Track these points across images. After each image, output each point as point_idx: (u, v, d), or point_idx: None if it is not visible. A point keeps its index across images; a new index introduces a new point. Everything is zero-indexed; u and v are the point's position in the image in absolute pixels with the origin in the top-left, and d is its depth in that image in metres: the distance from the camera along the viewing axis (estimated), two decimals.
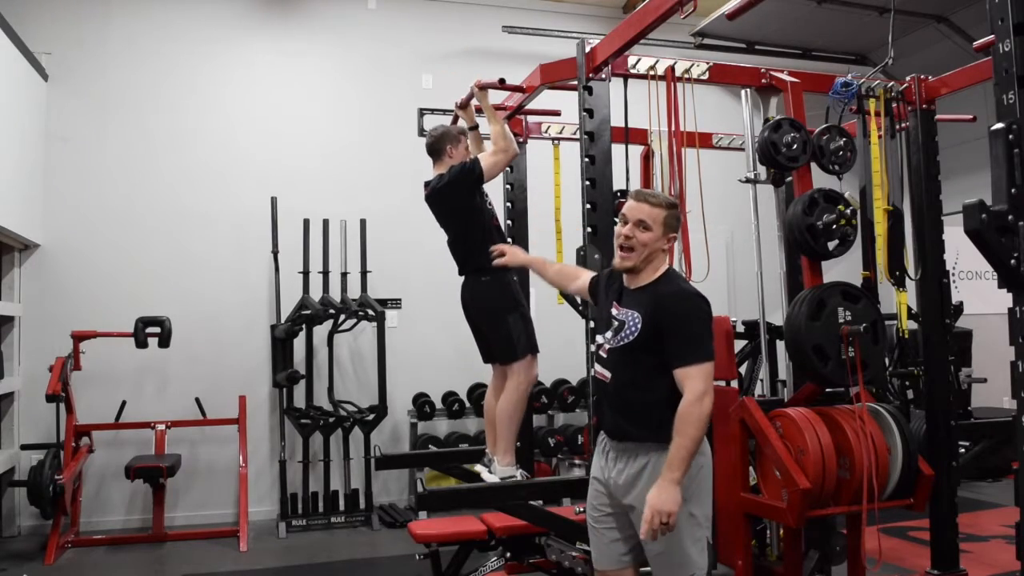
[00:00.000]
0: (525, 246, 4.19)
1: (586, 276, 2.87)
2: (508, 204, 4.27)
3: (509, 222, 4.18)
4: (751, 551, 3.14)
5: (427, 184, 3.63)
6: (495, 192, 3.90)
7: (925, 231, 3.80)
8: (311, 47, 6.57)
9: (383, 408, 5.87)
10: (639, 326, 2.43)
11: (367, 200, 6.39)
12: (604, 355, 2.55)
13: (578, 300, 4.36)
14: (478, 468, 3.65)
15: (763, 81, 3.64)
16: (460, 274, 3.63)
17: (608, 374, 2.53)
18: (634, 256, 2.48)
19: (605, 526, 2.56)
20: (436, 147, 3.62)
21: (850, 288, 3.10)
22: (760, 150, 3.35)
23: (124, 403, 5.65)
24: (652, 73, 3.51)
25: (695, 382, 2.31)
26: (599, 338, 2.60)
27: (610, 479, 2.51)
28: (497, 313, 3.51)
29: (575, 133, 4.17)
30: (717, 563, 3.10)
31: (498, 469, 3.52)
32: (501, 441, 3.51)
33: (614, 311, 2.54)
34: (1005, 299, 2.11)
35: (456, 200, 3.50)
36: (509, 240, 3.77)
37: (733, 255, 6.85)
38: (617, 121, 3.32)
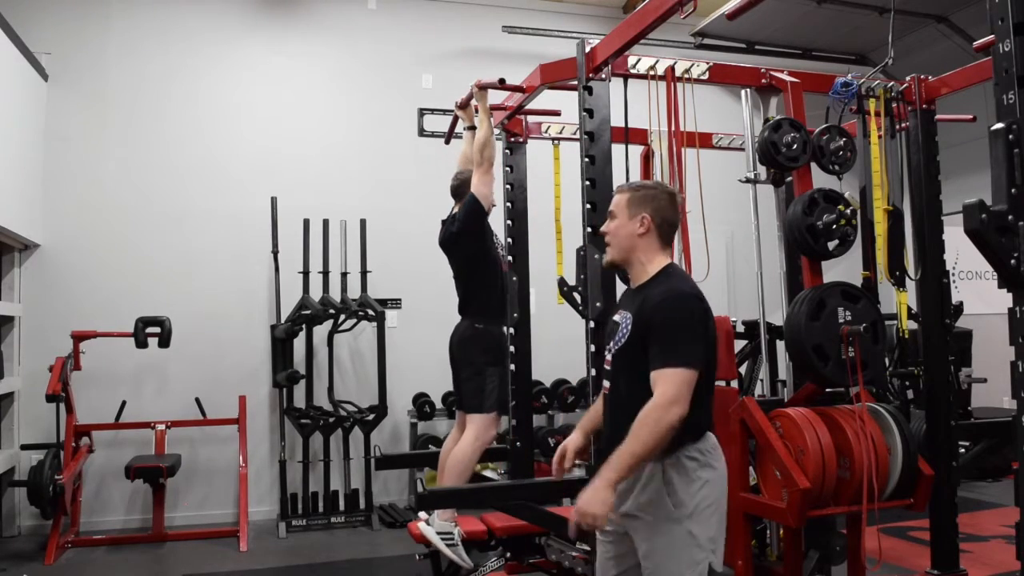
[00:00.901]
0: (525, 246, 4.19)
1: None
2: (508, 204, 4.26)
3: (509, 222, 4.18)
4: (751, 551, 3.14)
5: (443, 224, 3.69)
6: (495, 191, 3.92)
7: (925, 231, 3.80)
8: (311, 47, 6.57)
9: (383, 408, 5.87)
10: (629, 327, 2.27)
11: (367, 200, 6.39)
12: (608, 366, 2.42)
13: (578, 300, 4.38)
14: (417, 522, 3.66)
15: (763, 81, 3.64)
16: (459, 313, 3.68)
17: (608, 384, 2.40)
18: (609, 250, 2.38)
19: (606, 539, 2.41)
20: (461, 191, 3.77)
21: (850, 288, 3.10)
22: (760, 150, 3.35)
23: (124, 403, 5.65)
24: (652, 73, 3.51)
25: (664, 386, 2.10)
26: (606, 351, 2.46)
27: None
28: (477, 364, 3.62)
29: (575, 133, 4.17)
30: None
31: (436, 523, 3.54)
32: None
33: (616, 317, 2.41)
34: (1005, 299, 2.11)
35: (467, 247, 3.63)
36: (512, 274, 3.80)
37: (733, 255, 6.85)
38: (617, 121, 3.31)
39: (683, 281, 2.32)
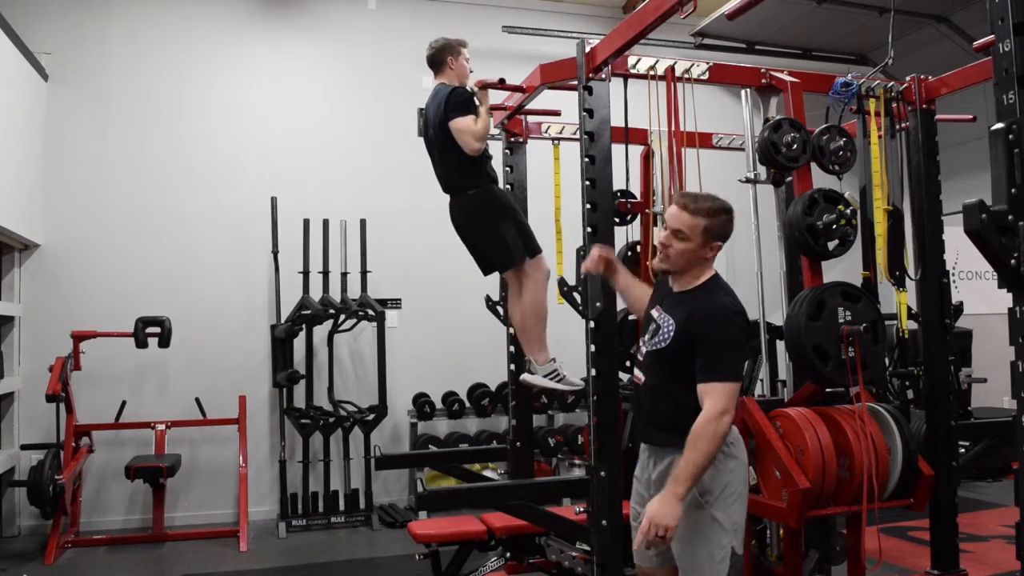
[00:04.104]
0: None
1: (646, 290, 2.81)
2: None
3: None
4: (751, 551, 3.14)
5: (430, 94, 3.67)
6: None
7: (925, 231, 3.80)
8: (311, 47, 6.57)
9: (383, 408, 5.87)
10: (672, 333, 2.41)
11: (367, 200, 6.39)
12: (641, 357, 2.54)
13: (577, 300, 4.38)
14: (523, 376, 3.70)
15: (763, 81, 3.64)
16: (445, 192, 3.65)
17: (642, 377, 2.53)
18: (668, 263, 2.47)
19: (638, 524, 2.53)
20: (437, 58, 3.69)
21: (850, 288, 3.10)
22: (760, 150, 3.35)
23: (124, 403, 5.65)
24: (652, 73, 3.51)
25: (715, 400, 2.26)
26: (641, 340, 2.58)
27: (647, 478, 2.53)
28: (489, 224, 3.53)
29: (575, 133, 4.17)
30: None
31: (536, 368, 3.57)
32: (534, 341, 3.57)
33: (655, 313, 2.53)
34: (1005, 299, 2.11)
35: (439, 121, 3.53)
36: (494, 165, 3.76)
37: (733, 255, 6.82)
38: (617, 121, 3.31)
39: (728, 295, 2.46)
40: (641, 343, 2.56)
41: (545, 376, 3.57)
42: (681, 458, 2.27)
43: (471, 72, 3.74)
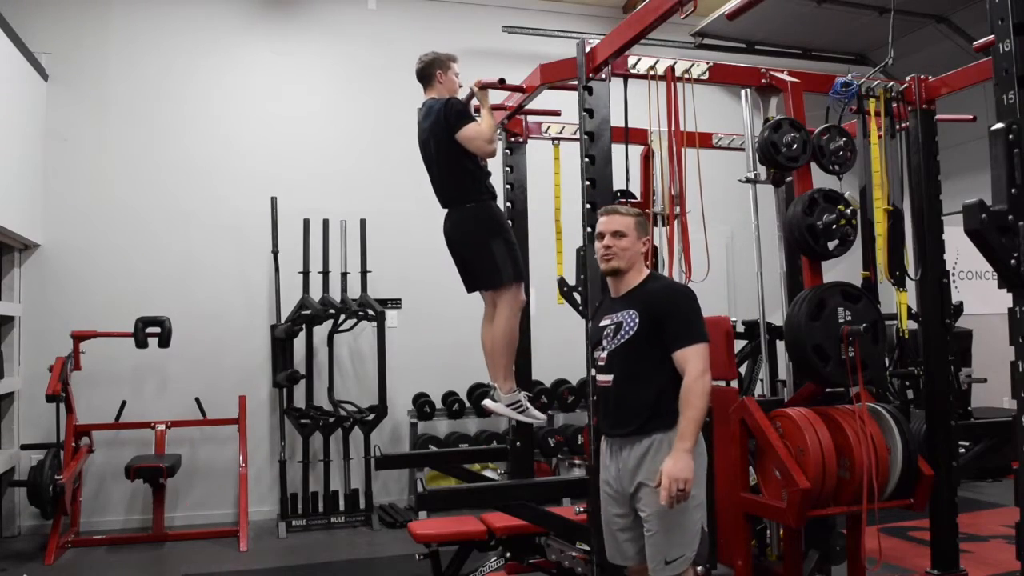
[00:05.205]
0: (525, 246, 4.19)
1: None
2: (508, 204, 4.27)
3: (509, 222, 4.18)
4: (751, 551, 3.14)
5: (420, 109, 3.65)
6: (496, 191, 3.90)
7: (925, 231, 3.80)
8: (311, 47, 6.58)
9: (383, 408, 5.87)
10: (637, 320, 2.64)
11: (367, 200, 6.40)
12: (603, 363, 2.73)
13: (577, 300, 4.37)
14: (485, 402, 3.73)
15: (763, 81, 3.64)
16: (444, 206, 3.64)
17: (610, 377, 2.70)
18: (615, 261, 2.72)
19: (616, 526, 2.70)
20: (426, 72, 3.66)
21: (850, 288, 3.10)
22: (760, 150, 3.35)
23: (124, 403, 5.65)
24: (652, 73, 3.50)
25: (695, 361, 2.54)
26: (596, 352, 2.78)
27: (618, 472, 2.65)
28: (480, 240, 3.51)
29: (575, 133, 4.17)
30: (715, 558, 3.10)
31: (501, 396, 3.59)
32: (500, 369, 3.58)
33: (606, 320, 2.75)
34: (1005, 299, 2.11)
35: (439, 133, 3.51)
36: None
37: (733, 255, 6.85)
38: (617, 121, 3.31)
39: (672, 279, 2.90)
40: (599, 351, 2.75)
41: (508, 406, 3.59)
42: (672, 429, 2.52)
43: (460, 87, 3.71)
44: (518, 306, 3.58)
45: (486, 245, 3.49)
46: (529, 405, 3.64)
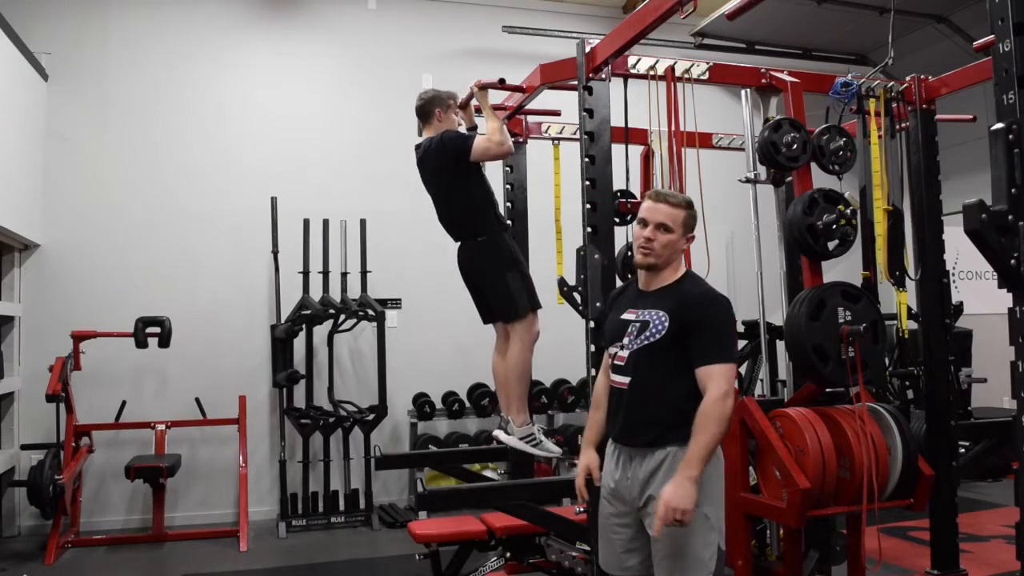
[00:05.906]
0: (525, 246, 4.20)
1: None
2: (508, 204, 4.27)
3: (509, 222, 4.19)
4: (751, 551, 3.14)
5: (417, 147, 3.63)
6: (496, 191, 3.90)
7: (925, 231, 3.80)
8: (311, 47, 6.57)
9: (383, 408, 5.87)
10: (666, 324, 2.41)
11: (367, 200, 6.39)
12: (621, 362, 2.49)
13: (577, 300, 4.37)
14: (495, 432, 3.66)
15: (763, 81, 3.64)
16: (456, 240, 3.63)
17: (626, 379, 2.47)
18: (652, 256, 2.48)
19: (616, 534, 2.51)
20: (425, 110, 3.64)
21: (850, 288, 3.10)
22: (760, 150, 3.35)
23: (124, 403, 5.65)
24: (652, 73, 3.51)
25: (718, 381, 2.31)
26: (613, 348, 2.54)
27: (625, 481, 2.45)
28: (496, 272, 3.51)
29: (575, 133, 4.17)
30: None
31: (514, 429, 3.55)
32: (514, 401, 3.54)
33: (630, 316, 2.51)
34: (1005, 299, 2.11)
35: (442, 168, 3.50)
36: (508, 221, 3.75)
37: (733, 255, 6.84)
38: (617, 121, 3.31)
39: (710, 285, 2.53)
40: (618, 348, 2.51)
41: (521, 439, 3.53)
42: (687, 446, 2.28)
43: (459, 125, 3.68)
44: (531, 337, 3.55)
45: (501, 278, 3.49)
46: (543, 438, 3.58)
